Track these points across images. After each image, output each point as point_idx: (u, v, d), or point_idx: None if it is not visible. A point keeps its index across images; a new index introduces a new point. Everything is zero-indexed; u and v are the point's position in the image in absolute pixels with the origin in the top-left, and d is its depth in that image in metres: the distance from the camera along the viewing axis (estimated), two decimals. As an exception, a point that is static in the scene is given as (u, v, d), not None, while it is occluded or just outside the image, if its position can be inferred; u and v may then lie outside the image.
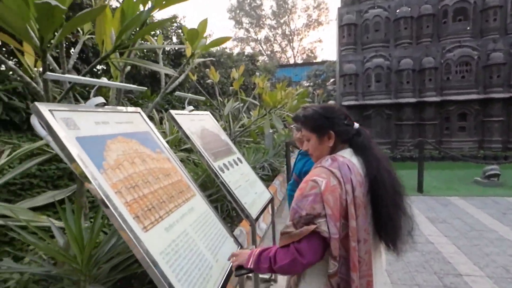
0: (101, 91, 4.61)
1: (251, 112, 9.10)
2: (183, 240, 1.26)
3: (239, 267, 1.17)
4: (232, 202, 2.02)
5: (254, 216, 2.04)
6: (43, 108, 1.06)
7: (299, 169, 1.64)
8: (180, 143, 5.05)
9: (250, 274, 1.42)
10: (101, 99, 1.35)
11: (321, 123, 1.12)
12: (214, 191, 3.09)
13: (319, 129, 1.12)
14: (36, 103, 1.05)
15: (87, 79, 1.33)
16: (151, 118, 5.40)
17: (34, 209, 2.29)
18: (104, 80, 1.44)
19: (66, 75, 1.16)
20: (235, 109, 5.86)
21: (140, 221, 1.11)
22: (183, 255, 1.20)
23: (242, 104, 5.56)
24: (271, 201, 2.57)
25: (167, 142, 4.53)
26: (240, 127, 6.32)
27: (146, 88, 1.73)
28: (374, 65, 9.79)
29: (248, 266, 1.11)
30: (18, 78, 2.16)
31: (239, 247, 1.65)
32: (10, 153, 2.62)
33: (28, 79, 1.67)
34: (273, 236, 2.82)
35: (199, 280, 1.19)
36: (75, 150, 1.05)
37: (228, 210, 3.43)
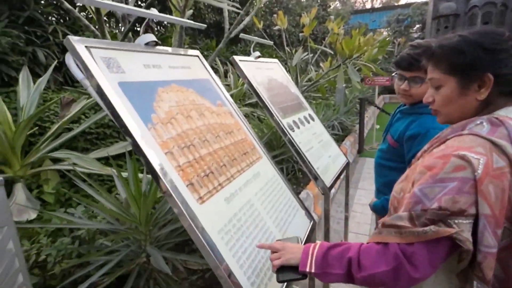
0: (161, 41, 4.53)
1: (321, 64, 8.32)
2: (246, 214, 1.02)
3: (285, 269, 0.79)
4: (302, 165, 1.72)
5: (328, 183, 1.72)
6: (79, 43, 0.84)
7: (399, 132, 1.23)
8: (245, 97, 4.83)
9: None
10: (152, 37, 1.11)
11: (474, 59, 0.67)
12: (280, 152, 2.83)
13: (467, 68, 0.69)
14: (69, 36, 0.84)
15: (140, 10, 1.07)
16: (215, 70, 5.23)
17: (108, 158, 2.35)
18: (159, 13, 1.18)
19: (106, 2, 0.91)
20: (302, 62, 5.30)
21: (194, 190, 0.88)
22: (246, 232, 0.97)
23: (311, 55, 4.97)
24: (346, 167, 2.20)
25: (231, 96, 4.35)
26: (307, 81, 5.79)
27: (205, 26, 1.41)
28: (484, 1, 7.75)
29: (306, 270, 0.74)
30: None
31: (311, 222, 1.37)
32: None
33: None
34: (345, 216, 2.48)
35: (265, 265, 0.96)
36: (116, 98, 0.84)
37: (294, 171, 3.18)
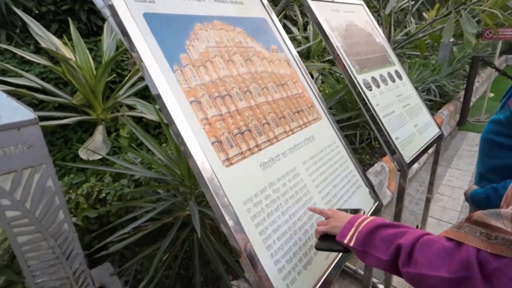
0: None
1: (424, 14, 6.91)
2: (287, 185, 0.83)
3: (326, 238, 0.70)
4: (376, 133, 1.40)
5: (407, 158, 1.38)
6: (98, -37, 0.72)
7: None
8: (324, 53, 4.35)
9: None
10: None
11: None
12: (354, 115, 2.45)
13: None
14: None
15: None
16: (294, 22, 4.79)
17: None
18: None
19: None
20: (399, 11, 4.39)
21: (222, 149, 0.73)
22: (283, 207, 0.79)
23: (412, 2, 4.05)
24: (438, 140, 1.75)
25: (308, 50, 3.95)
26: (403, 36, 4.86)
27: None
28: None
29: (345, 242, 0.63)
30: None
31: (376, 203, 1.11)
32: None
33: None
34: (427, 197, 2.05)
35: (302, 249, 0.78)
36: (136, 31, 0.70)
37: (369, 138, 2.77)
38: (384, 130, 1.35)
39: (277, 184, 0.81)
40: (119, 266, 1.38)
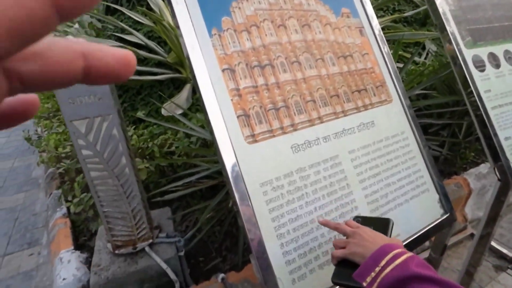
0: None
1: None
2: (321, 173, 0.74)
3: (346, 264, 0.55)
4: (477, 128, 1.08)
5: (517, 167, 1.04)
6: None
7: None
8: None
9: None
10: None
11: None
12: (457, 100, 1.93)
13: None
14: None
15: None
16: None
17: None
18: None
19: None
20: None
21: (247, 124, 0.68)
22: (309, 197, 0.71)
23: None
24: None
25: (425, 14, 3.26)
26: None
27: None
28: None
29: (362, 283, 0.49)
30: None
31: (446, 214, 0.89)
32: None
33: None
34: None
35: (323, 246, 0.70)
36: (177, -9, 0.68)
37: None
38: (487, 123, 1.04)
39: (307, 171, 0.72)
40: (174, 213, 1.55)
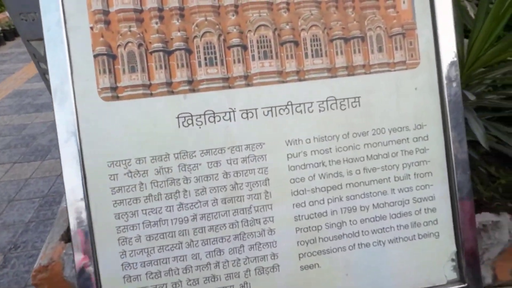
0: None
1: None
2: (222, 167, 0.46)
3: None
4: None
5: None
6: None
7: None
8: None
9: None
10: None
11: None
12: None
13: None
14: None
15: None
16: None
17: None
18: None
19: None
20: None
21: (107, 69, 0.44)
22: (188, 198, 0.46)
23: None
24: None
25: None
26: None
27: None
28: None
29: None
30: None
31: (463, 284, 0.50)
32: None
33: None
34: None
35: (177, 285, 0.46)
36: None
37: None
38: None
39: (197, 158, 0.46)
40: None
